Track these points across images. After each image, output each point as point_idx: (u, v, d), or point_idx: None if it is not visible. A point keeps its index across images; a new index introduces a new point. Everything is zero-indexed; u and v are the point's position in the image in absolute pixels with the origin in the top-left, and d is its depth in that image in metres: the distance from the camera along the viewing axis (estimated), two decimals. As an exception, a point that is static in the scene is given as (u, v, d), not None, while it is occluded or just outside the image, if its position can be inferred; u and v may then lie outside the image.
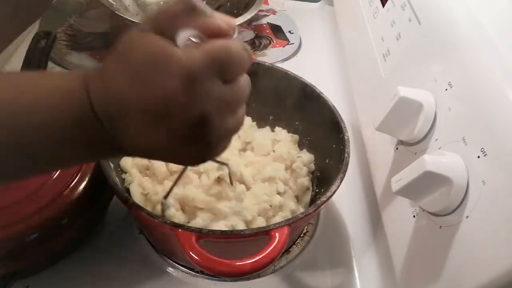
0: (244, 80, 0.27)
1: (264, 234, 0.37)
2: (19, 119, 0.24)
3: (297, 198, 0.50)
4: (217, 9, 0.79)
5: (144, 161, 0.48)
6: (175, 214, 0.42)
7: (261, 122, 0.57)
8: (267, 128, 0.57)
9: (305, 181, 0.49)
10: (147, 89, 0.24)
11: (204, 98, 0.24)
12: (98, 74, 0.25)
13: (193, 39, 0.25)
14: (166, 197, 0.42)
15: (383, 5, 0.52)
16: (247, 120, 0.56)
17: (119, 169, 0.47)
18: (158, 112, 0.24)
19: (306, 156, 0.51)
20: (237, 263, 0.34)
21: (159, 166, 0.47)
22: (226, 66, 0.25)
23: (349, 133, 0.47)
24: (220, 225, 0.43)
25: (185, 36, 0.25)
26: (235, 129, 0.28)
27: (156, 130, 0.25)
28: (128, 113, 0.24)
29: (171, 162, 0.30)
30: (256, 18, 0.83)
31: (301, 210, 0.48)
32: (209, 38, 0.25)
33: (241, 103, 0.27)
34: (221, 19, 0.26)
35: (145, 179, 0.46)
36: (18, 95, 0.25)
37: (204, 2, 0.80)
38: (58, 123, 0.25)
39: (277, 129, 0.56)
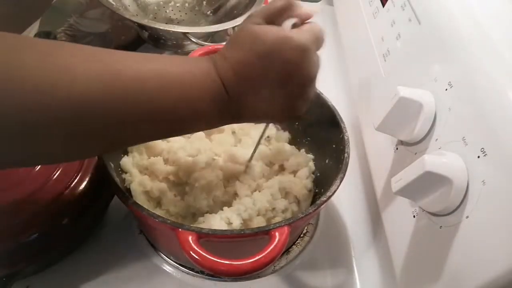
0: None
1: (264, 234, 0.37)
2: (167, 93, 0.30)
3: (298, 199, 0.50)
4: (218, 9, 0.79)
5: (144, 161, 0.48)
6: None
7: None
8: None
9: (308, 183, 0.49)
10: (275, 64, 0.32)
11: (313, 64, 0.34)
12: (223, 58, 0.33)
13: (294, 25, 0.34)
14: (250, 160, 0.48)
15: (383, 5, 0.52)
16: None
17: (119, 169, 0.47)
18: (283, 80, 0.32)
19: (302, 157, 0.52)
20: (237, 263, 0.34)
21: (159, 166, 0.47)
22: (319, 41, 0.34)
23: (349, 133, 0.47)
24: (216, 218, 0.43)
25: (289, 23, 0.34)
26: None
27: (277, 95, 0.33)
28: (256, 87, 0.32)
29: (277, 120, 0.42)
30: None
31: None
32: (303, 22, 0.35)
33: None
34: (308, 9, 0.36)
35: (145, 177, 0.47)
36: (165, 73, 0.31)
37: (205, 2, 0.80)
38: (200, 96, 0.32)
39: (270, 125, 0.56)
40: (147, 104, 0.30)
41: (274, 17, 0.34)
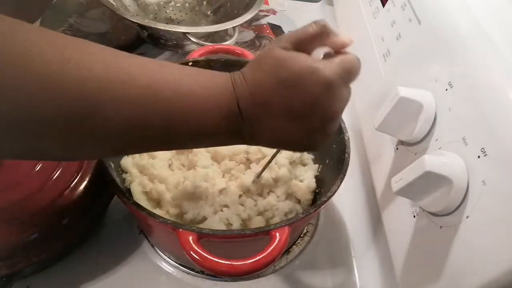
0: None
1: (265, 234, 0.37)
2: (177, 104, 0.29)
3: (299, 199, 0.50)
4: (218, 9, 0.79)
5: (144, 161, 0.48)
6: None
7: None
8: None
9: (313, 182, 0.49)
10: (296, 94, 0.30)
11: (339, 100, 0.31)
12: (242, 79, 0.31)
13: (326, 54, 0.32)
14: (259, 176, 0.47)
15: (383, 5, 0.53)
16: None
17: (120, 169, 0.47)
18: (302, 112, 0.30)
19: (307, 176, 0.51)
20: (238, 263, 0.34)
21: (159, 172, 0.47)
22: (351, 74, 0.32)
23: (349, 133, 0.47)
24: (215, 219, 0.43)
25: (321, 52, 0.32)
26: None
27: (293, 126, 0.31)
28: (272, 114, 0.31)
29: (290, 149, 0.36)
30: (256, 18, 0.83)
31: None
32: (336, 52, 0.32)
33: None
34: (343, 37, 0.33)
35: (145, 177, 0.46)
36: (179, 84, 0.30)
37: (205, 2, 0.80)
38: (212, 113, 0.31)
39: None
40: (155, 112, 0.29)
41: (304, 44, 0.32)
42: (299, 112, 0.30)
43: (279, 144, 0.34)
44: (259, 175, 0.47)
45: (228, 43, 0.64)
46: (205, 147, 0.45)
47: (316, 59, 0.31)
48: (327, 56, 0.32)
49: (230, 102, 0.31)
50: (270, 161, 0.46)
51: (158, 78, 0.29)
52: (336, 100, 0.31)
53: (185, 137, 0.31)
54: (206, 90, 0.30)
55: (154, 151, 0.42)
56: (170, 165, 0.49)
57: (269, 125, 0.31)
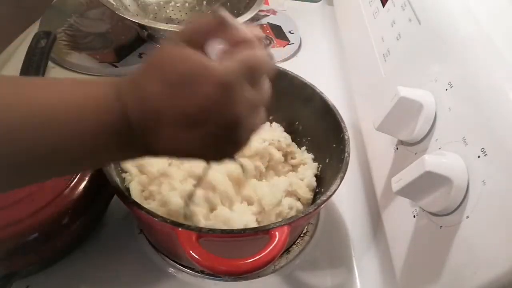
0: (267, 82, 0.29)
1: (264, 233, 0.37)
2: (51, 126, 0.26)
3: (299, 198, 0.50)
4: (217, 9, 0.79)
5: (143, 161, 0.48)
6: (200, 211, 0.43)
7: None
8: (267, 124, 0.57)
9: (313, 181, 0.49)
10: (187, 99, 0.26)
11: (238, 103, 0.26)
12: (130, 85, 0.27)
13: (223, 50, 0.27)
14: (190, 197, 0.43)
15: (383, 5, 0.53)
16: None
17: (119, 168, 0.47)
18: (196, 118, 0.26)
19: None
20: (237, 262, 0.34)
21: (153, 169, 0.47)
22: (254, 72, 0.27)
23: (349, 133, 0.47)
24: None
25: (216, 47, 0.27)
26: (258, 127, 0.30)
27: (191, 134, 0.27)
28: (165, 122, 0.26)
29: (199, 160, 0.32)
30: (256, 18, 0.83)
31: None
32: (238, 48, 0.27)
33: (264, 104, 0.30)
34: (247, 30, 0.28)
35: (144, 176, 0.47)
36: (54, 101, 0.26)
37: (205, 2, 0.80)
38: (90, 130, 0.26)
39: (274, 124, 0.57)
40: (27, 141, 0.25)
41: (199, 39, 0.27)
42: (195, 118, 0.26)
43: (183, 155, 0.30)
44: (190, 198, 0.43)
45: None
46: (100, 164, 0.37)
47: (211, 57, 0.27)
48: (226, 53, 0.27)
49: (111, 114, 0.27)
50: (199, 183, 0.43)
51: (30, 102, 0.25)
52: (236, 102, 0.26)
53: (65, 161, 0.28)
54: (76, 106, 0.26)
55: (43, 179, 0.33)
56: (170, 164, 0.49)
57: (167, 135, 0.27)
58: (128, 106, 0.26)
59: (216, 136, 0.27)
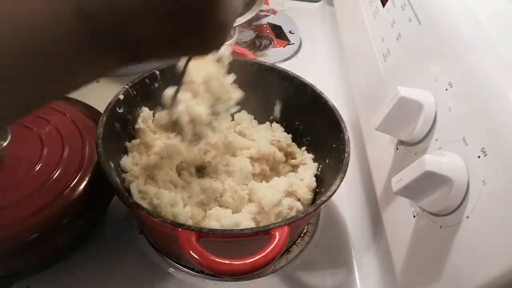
0: None
1: (264, 233, 0.37)
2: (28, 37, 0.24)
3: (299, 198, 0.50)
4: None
5: (143, 161, 0.48)
6: None
7: (261, 122, 0.57)
8: (267, 124, 0.57)
9: (313, 181, 0.49)
10: None
11: None
12: None
13: None
14: (175, 96, 0.42)
15: (383, 5, 0.52)
16: (248, 118, 0.56)
17: (119, 168, 0.47)
18: (166, 7, 0.25)
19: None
20: (237, 263, 0.34)
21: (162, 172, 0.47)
22: None
23: (349, 133, 0.47)
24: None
25: None
26: (229, 21, 0.28)
27: (165, 27, 0.26)
28: (132, 18, 0.25)
29: (177, 54, 0.31)
30: (256, 18, 0.83)
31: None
32: None
33: None
34: None
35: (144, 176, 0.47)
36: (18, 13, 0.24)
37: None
38: (53, 36, 0.24)
39: (274, 124, 0.57)
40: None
41: None
42: (163, 8, 0.25)
43: (159, 49, 0.29)
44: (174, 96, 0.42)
45: (228, 43, 0.64)
46: (85, 77, 0.31)
47: None
48: None
49: (73, 15, 0.24)
50: (182, 75, 0.41)
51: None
52: None
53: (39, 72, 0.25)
54: (36, 12, 0.24)
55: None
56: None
57: (137, 33, 0.26)
58: (95, 11, 0.25)
59: (189, 26, 0.26)
